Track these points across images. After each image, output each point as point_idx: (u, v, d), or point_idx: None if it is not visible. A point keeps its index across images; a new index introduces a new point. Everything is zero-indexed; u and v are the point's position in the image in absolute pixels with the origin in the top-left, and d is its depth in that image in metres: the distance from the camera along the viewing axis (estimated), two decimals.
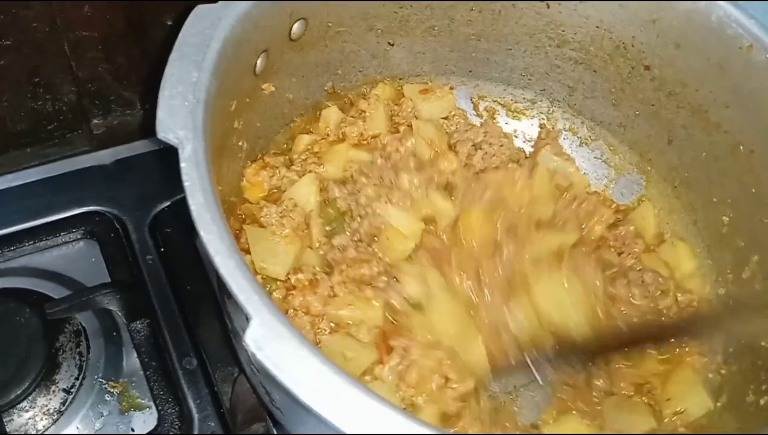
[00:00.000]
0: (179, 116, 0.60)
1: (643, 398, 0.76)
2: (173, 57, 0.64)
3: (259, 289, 0.53)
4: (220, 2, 0.68)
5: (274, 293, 0.75)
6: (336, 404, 0.49)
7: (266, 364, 0.50)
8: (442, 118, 0.95)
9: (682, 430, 0.75)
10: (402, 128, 0.91)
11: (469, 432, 0.70)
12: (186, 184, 0.57)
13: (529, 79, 0.96)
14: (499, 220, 0.82)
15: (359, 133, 0.88)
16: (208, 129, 0.61)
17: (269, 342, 0.51)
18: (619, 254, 0.86)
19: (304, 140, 0.86)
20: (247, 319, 0.52)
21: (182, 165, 0.58)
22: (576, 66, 0.92)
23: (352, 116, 0.90)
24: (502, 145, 0.92)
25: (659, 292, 0.82)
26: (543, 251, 0.79)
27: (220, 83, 0.65)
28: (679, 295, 0.83)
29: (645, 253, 0.86)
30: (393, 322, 0.74)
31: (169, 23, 0.88)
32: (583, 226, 0.87)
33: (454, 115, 0.95)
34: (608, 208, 0.89)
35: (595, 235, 0.87)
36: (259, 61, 0.74)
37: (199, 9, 0.67)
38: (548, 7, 0.88)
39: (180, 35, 0.65)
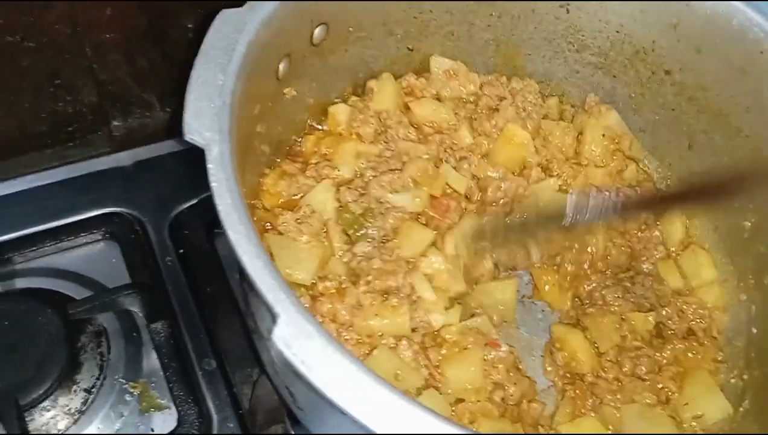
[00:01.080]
0: (206, 118, 0.61)
1: (664, 408, 0.76)
2: (199, 60, 0.64)
3: (287, 288, 0.53)
4: (245, 6, 0.68)
5: (301, 299, 0.74)
6: (365, 403, 0.49)
7: (294, 362, 0.50)
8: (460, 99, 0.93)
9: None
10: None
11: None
12: (213, 184, 0.57)
13: (548, 84, 0.95)
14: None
15: (374, 131, 0.87)
16: (234, 131, 0.61)
17: (297, 340, 0.50)
18: (635, 256, 0.85)
19: (310, 140, 0.85)
20: (275, 319, 0.51)
21: (209, 166, 0.58)
22: (595, 71, 0.91)
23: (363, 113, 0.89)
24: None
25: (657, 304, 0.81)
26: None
27: (244, 87, 0.65)
28: (690, 309, 0.82)
29: (662, 261, 0.86)
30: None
31: (190, 26, 0.88)
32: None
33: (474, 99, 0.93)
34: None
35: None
36: (281, 66, 0.74)
37: (225, 13, 0.67)
38: (568, 12, 0.87)
39: (206, 38, 0.65)
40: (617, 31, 0.86)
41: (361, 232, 0.79)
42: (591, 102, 0.92)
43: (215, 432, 0.79)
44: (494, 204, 0.85)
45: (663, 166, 0.92)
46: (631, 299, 0.80)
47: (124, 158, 0.97)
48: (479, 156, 0.87)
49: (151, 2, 0.84)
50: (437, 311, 0.75)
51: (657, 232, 0.87)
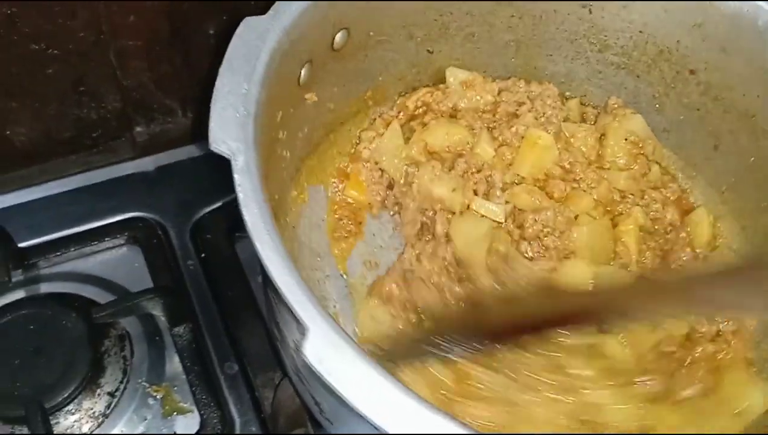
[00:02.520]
0: (231, 128, 0.60)
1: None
2: (224, 69, 0.63)
3: (315, 300, 0.52)
4: (268, 14, 0.67)
5: None
6: (399, 418, 0.48)
7: (326, 376, 0.49)
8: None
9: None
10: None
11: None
12: (240, 195, 0.56)
13: (570, 85, 0.93)
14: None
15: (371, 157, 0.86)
16: (259, 140, 0.61)
17: (327, 354, 0.49)
18: (663, 258, 0.83)
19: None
20: (304, 332, 0.50)
21: (235, 176, 0.57)
22: (618, 71, 0.89)
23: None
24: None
25: None
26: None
27: (268, 95, 0.64)
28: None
29: (690, 263, 0.83)
30: None
31: (212, 32, 0.87)
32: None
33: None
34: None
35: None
36: (303, 72, 0.73)
37: (248, 21, 0.67)
38: (590, 12, 0.86)
39: (230, 47, 0.65)
40: (641, 31, 0.84)
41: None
42: (614, 104, 0.90)
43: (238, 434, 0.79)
44: (538, 238, 0.80)
45: (688, 167, 0.89)
46: None
47: (146, 164, 0.97)
48: (503, 168, 0.85)
49: (174, 9, 0.83)
50: None
51: (684, 234, 0.84)
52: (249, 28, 0.66)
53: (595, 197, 0.84)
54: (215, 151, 0.59)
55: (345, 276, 0.81)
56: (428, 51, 0.89)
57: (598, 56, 0.89)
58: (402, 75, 0.89)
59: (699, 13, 0.78)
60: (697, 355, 0.76)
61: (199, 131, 0.98)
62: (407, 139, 0.87)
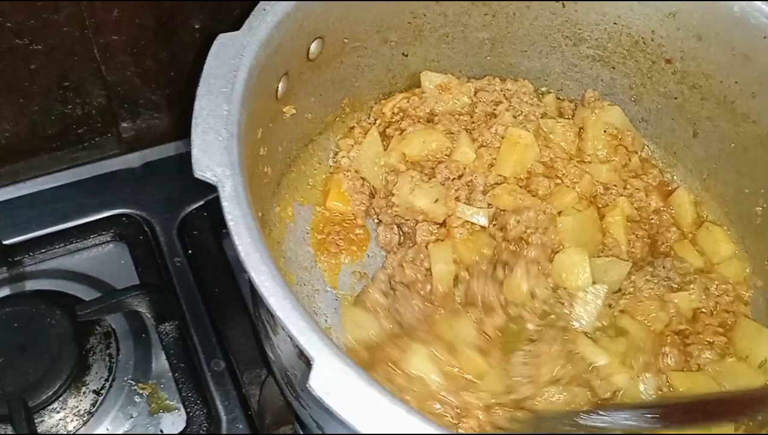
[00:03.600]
0: (215, 152, 0.57)
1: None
2: (201, 90, 0.60)
3: (318, 328, 0.50)
4: (242, 29, 0.65)
5: None
6: None
7: (335, 408, 0.47)
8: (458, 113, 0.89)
9: None
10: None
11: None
12: (230, 224, 0.54)
13: (546, 80, 0.93)
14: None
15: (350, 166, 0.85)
16: (244, 163, 0.58)
17: (336, 386, 0.48)
18: (653, 242, 0.82)
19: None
20: (309, 363, 0.48)
21: (224, 204, 0.55)
22: (593, 63, 0.89)
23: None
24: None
25: (683, 282, 0.78)
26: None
27: (248, 113, 0.62)
28: (713, 285, 0.78)
29: (678, 242, 0.82)
30: None
31: (197, 26, 0.86)
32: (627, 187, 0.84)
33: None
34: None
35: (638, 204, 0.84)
36: (280, 85, 0.71)
37: (222, 38, 0.64)
38: (564, 7, 0.85)
39: (205, 66, 0.62)
40: (615, 23, 0.84)
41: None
42: (590, 97, 0.89)
43: (224, 433, 0.77)
44: (522, 239, 0.79)
45: (668, 155, 0.89)
46: (660, 282, 0.77)
47: (132, 160, 0.95)
48: (485, 170, 0.83)
49: (159, 3, 0.82)
50: None
51: (667, 216, 0.84)
52: (224, 46, 0.63)
53: (578, 191, 0.82)
54: (200, 178, 0.56)
55: (334, 290, 0.79)
56: (403, 54, 0.88)
57: (573, 50, 0.88)
58: (378, 80, 0.88)
59: (673, 3, 0.78)
60: (706, 324, 0.76)
61: (186, 127, 0.95)
62: (386, 147, 0.85)
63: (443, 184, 0.81)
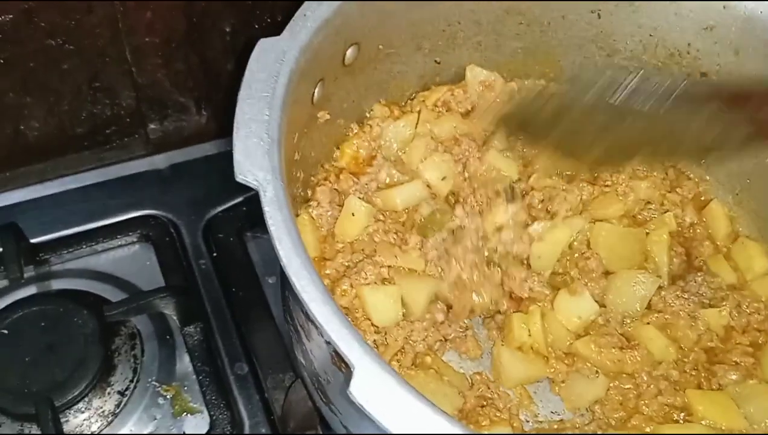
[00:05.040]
0: (256, 157, 0.57)
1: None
2: (243, 94, 0.61)
3: (358, 335, 0.50)
4: (283, 34, 0.65)
5: None
6: None
7: (376, 416, 0.47)
8: None
9: None
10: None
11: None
12: (272, 228, 0.54)
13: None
14: None
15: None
16: (284, 168, 0.59)
17: (376, 393, 0.48)
18: (688, 256, 0.81)
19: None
20: (350, 369, 0.49)
21: (265, 209, 0.55)
22: (627, 75, 0.89)
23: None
24: None
25: (715, 298, 0.77)
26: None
27: (288, 118, 0.62)
28: (746, 302, 0.78)
29: (712, 257, 0.81)
30: None
31: (228, 30, 0.86)
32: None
33: None
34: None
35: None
36: (316, 91, 0.72)
37: (264, 43, 0.64)
38: (599, 18, 0.85)
39: (247, 71, 0.62)
40: (650, 35, 0.83)
41: None
42: None
43: None
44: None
45: (700, 169, 0.88)
46: (691, 298, 0.76)
47: (159, 161, 0.95)
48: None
49: (191, 6, 0.82)
50: None
51: (701, 229, 0.83)
52: (265, 51, 0.63)
53: (625, 204, 0.81)
54: (242, 182, 0.56)
55: None
56: (436, 61, 0.87)
57: (607, 60, 0.87)
58: (410, 86, 0.88)
59: (711, 16, 0.78)
60: (736, 343, 0.75)
61: (213, 129, 0.97)
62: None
63: (457, 162, 0.81)
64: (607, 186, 0.83)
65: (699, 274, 0.79)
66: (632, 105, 0.67)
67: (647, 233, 0.81)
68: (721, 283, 0.79)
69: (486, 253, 0.76)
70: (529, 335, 0.74)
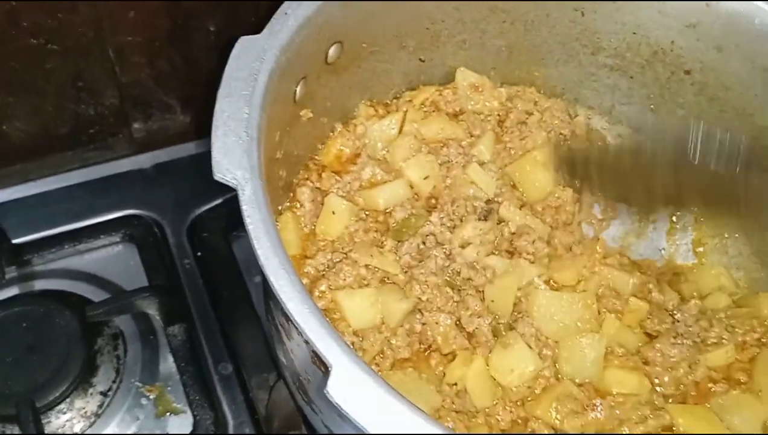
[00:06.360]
0: (235, 155, 0.57)
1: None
2: (222, 92, 0.60)
3: (336, 335, 0.50)
4: (263, 32, 0.64)
5: None
6: None
7: (353, 415, 0.47)
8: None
9: None
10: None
11: None
12: (249, 227, 0.54)
13: (563, 88, 0.92)
14: None
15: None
16: (263, 167, 0.58)
17: (353, 392, 0.48)
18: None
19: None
20: (327, 368, 0.48)
21: (243, 207, 0.55)
22: (611, 73, 0.88)
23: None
24: None
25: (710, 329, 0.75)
26: None
27: (268, 117, 0.62)
28: (735, 320, 0.76)
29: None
30: None
31: (212, 29, 0.86)
32: None
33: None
34: None
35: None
36: (298, 89, 0.71)
37: (244, 41, 0.64)
38: (583, 15, 0.85)
39: (227, 69, 0.62)
40: (634, 33, 0.83)
41: None
42: None
43: None
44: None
45: None
46: (685, 343, 0.73)
47: (143, 161, 0.95)
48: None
49: (174, 6, 0.82)
50: None
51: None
52: (245, 48, 0.63)
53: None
54: (220, 180, 0.56)
55: None
56: (420, 60, 0.87)
57: (591, 59, 0.87)
58: (394, 84, 0.88)
59: (694, 14, 0.77)
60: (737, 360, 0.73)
61: (197, 128, 0.97)
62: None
63: (441, 165, 0.81)
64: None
65: (684, 304, 0.77)
66: (708, 164, 0.65)
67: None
68: (703, 307, 0.77)
69: (448, 276, 0.73)
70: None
